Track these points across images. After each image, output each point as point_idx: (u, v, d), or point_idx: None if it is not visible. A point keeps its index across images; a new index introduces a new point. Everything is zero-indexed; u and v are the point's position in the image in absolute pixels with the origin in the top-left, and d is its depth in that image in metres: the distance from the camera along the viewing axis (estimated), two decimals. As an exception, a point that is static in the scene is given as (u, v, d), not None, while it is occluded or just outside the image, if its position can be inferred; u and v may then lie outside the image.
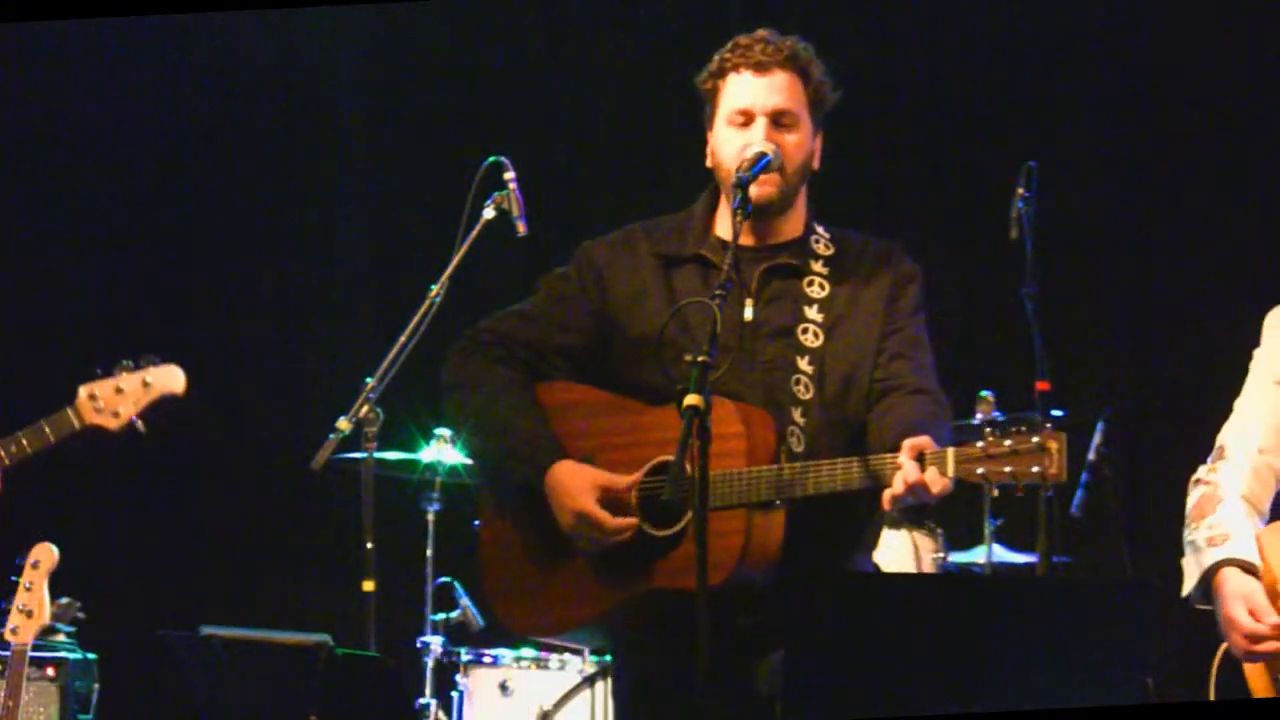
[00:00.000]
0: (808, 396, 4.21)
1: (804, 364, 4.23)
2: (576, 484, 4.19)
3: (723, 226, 4.35)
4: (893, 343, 4.27)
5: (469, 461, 6.29)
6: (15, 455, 5.08)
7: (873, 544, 4.43)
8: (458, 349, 4.40)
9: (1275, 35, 7.01)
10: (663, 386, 3.99)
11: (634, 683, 4.35)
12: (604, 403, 4.27)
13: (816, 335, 4.26)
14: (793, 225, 4.35)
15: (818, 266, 4.31)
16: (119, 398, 5.11)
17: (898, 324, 4.29)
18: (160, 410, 5.20)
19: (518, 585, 4.33)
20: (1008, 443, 3.89)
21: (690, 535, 4.04)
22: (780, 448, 4.14)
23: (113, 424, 5.13)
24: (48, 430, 5.11)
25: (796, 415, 4.19)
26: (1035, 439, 3.86)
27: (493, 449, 4.39)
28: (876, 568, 4.47)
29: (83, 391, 5.12)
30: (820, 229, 4.37)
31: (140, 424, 5.13)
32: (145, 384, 5.13)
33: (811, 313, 4.28)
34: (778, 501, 4.07)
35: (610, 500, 4.18)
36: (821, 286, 4.30)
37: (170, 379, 5.15)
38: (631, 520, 4.16)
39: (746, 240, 4.30)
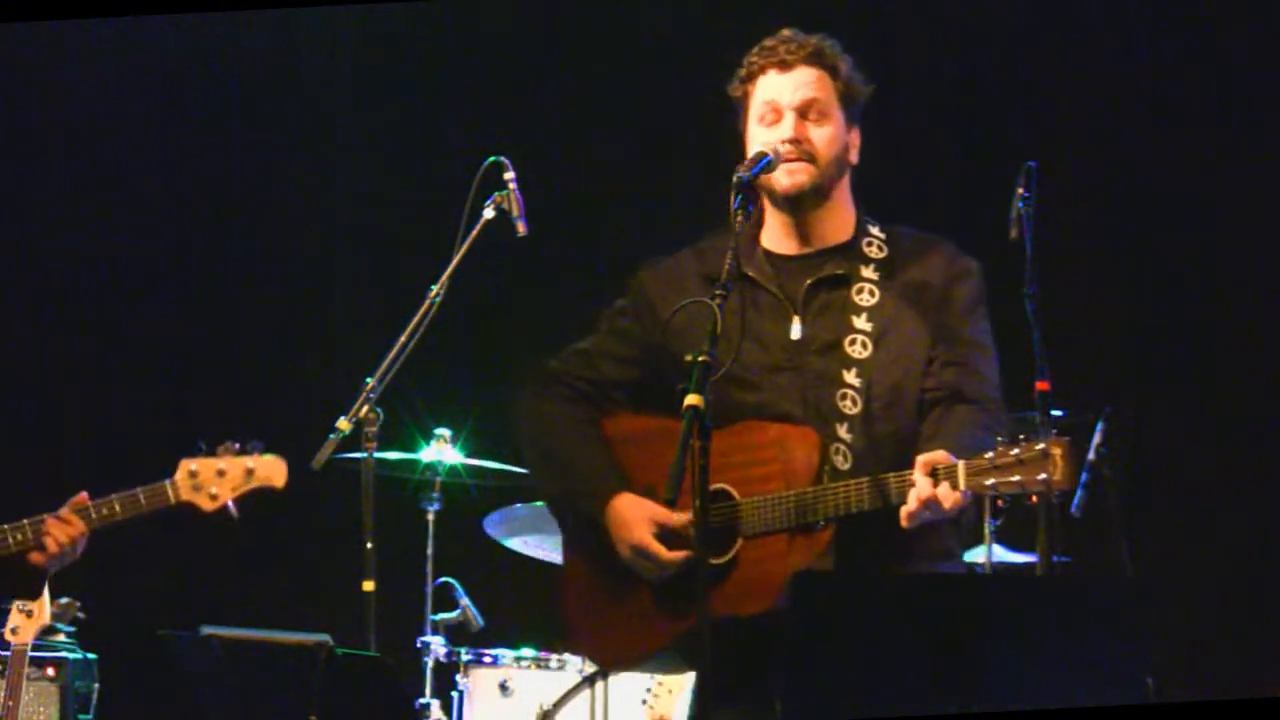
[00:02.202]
0: (854, 411, 4.13)
1: (850, 377, 4.16)
2: (633, 516, 4.20)
3: (769, 238, 4.32)
4: (944, 349, 4.18)
5: (469, 462, 6.30)
6: (106, 519, 4.90)
7: (957, 550, 4.30)
8: (525, 392, 4.44)
9: (1276, 33, 7.00)
10: (715, 409, 3.83)
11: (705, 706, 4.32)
12: (663, 431, 4.18)
13: (865, 346, 4.18)
14: (838, 226, 4.29)
15: (868, 272, 4.24)
16: (219, 480, 4.91)
17: (949, 328, 4.20)
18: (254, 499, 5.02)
19: (594, 618, 4.36)
20: (1014, 452, 3.86)
21: (741, 562, 4.07)
22: (823, 466, 4.08)
23: (208, 505, 4.89)
24: (143, 500, 4.88)
25: (842, 431, 4.12)
26: (1040, 446, 3.83)
27: (558, 485, 4.42)
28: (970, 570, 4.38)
29: (183, 467, 4.92)
30: (874, 229, 4.31)
31: (234, 510, 4.96)
32: (248, 471, 4.92)
33: (860, 322, 4.20)
34: (821, 523, 4.03)
35: (665, 532, 4.18)
36: (871, 294, 4.22)
37: (274, 472, 4.95)
38: (684, 553, 4.14)
39: (791, 247, 4.27)
